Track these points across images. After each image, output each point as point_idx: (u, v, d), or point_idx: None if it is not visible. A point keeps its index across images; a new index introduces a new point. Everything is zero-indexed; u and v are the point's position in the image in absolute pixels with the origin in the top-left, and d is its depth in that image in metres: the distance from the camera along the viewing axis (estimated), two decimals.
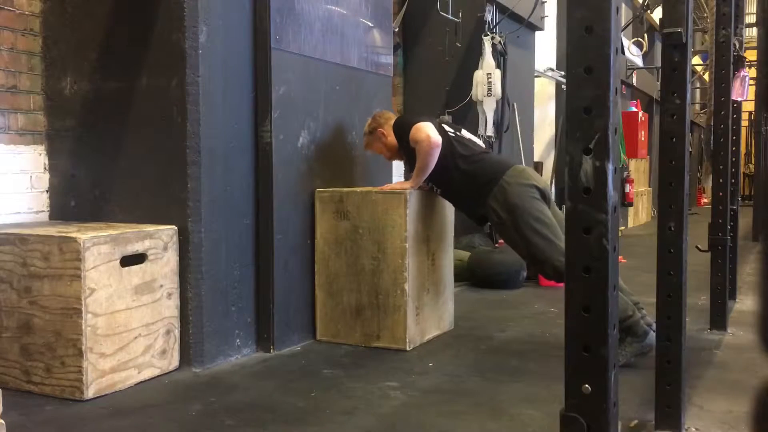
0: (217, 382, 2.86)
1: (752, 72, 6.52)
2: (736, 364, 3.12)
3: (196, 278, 3.01)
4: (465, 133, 3.74)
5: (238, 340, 3.22)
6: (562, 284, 3.27)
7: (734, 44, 3.88)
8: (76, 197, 3.28)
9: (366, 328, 3.44)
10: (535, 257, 3.24)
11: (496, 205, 3.31)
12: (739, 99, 4.62)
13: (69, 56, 3.25)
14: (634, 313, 3.04)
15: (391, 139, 3.57)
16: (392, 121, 3.60)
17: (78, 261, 2.57)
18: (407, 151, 3.51)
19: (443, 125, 3.56)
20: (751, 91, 5.34)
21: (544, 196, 3.35)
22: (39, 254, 2.65)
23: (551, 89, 8.97)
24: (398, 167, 6.05)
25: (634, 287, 4.47)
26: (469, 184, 3.41)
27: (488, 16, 5.92)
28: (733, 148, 4.15)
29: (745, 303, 4.54)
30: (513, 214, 3.26)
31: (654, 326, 3.06)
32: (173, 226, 2.98)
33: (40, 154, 3.32)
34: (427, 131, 3.35)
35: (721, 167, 3.88)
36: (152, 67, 3.06)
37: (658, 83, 3.12)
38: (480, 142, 3.85)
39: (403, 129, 3.46)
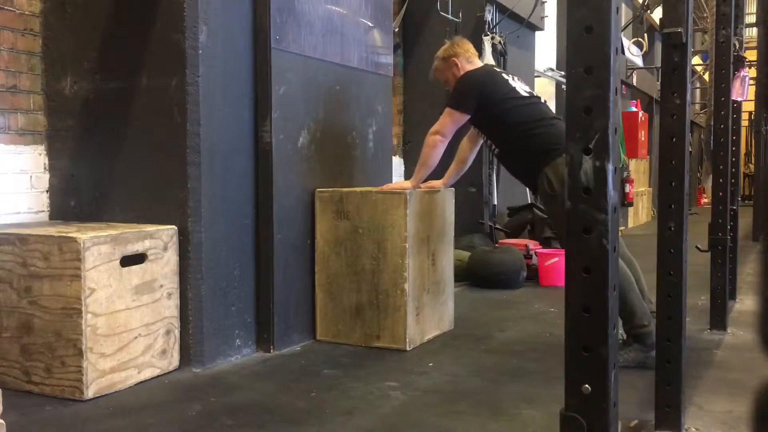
0: (217, 382, 2.86)
1: (752, 72, 6.52)
2: (736, 364, 3.12)
3: (196, 278, 3.01)
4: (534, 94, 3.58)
5: (238, 340, 3.22)
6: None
7: (734, 44, 3.88)
8: (76, 197, 3.28)
9: (366, 328, 3.44)
10: None
11: (553, 176, 3.14)
12: (739, 99, 4.63)
13: (69, 56, 3.25)
14: (650, 324, 3.00)
15: (463, 72, 3.45)
16: (470, 54, 3.49)
17: (78, 261, 2.57)
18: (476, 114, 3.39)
19: (515, 84, 3.40)
20: (751, 91, 5.34)
21: None
22: (39, 254, 2.65)
23: (551, 89, 8.97)
24: (398, 167, 6.05)
25: None
26: (530, 148, 3.25)
27: (488, 16, 5.93)
28: (733, 148, 4.15)
29: (745, 303, 4.54)
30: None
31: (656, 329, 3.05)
32: (173, 226, 2.98)
33: (40, 154, 3.32)
34: (445, 123, 3.31)
35: (721, 167, 3.88)
36: (152, 67, 3.06)
37: (658, 83, 3.11)
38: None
39: (451, 95, 3.40)
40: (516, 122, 3.30)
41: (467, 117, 3.37)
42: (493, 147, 3.46)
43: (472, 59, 3.55)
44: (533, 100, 3.42)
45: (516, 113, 3.31)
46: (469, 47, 3.56)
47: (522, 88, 3.42)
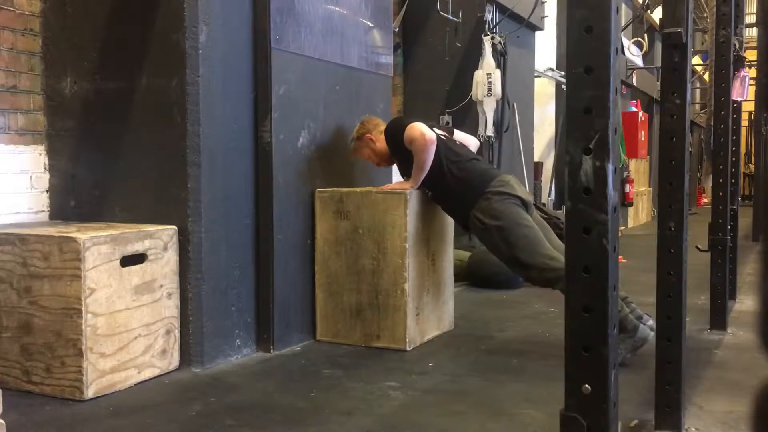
0: (217, 382, 2.86)
1: (752, 72, 6.52)
2: (736, 364, 3.12)
3: (196, 278, 3.01)
4: (458, 134, 3.77)
5: (238, 340, 3.22)
6: (549, 288, 3.31)
7: (734, 44, 3.88)
8: (76, 197, 3.28)
9: (366, 328, 3.44)
10: (520, 261, 3.27)
11: (480, 213, 3.35)
12: (739, 99, 4.62)
13: (69, 56, 3.25)
14: (623, 309, 3.04)
15: (380, 144, 3.60)
16: (381, 127, 3.62)
17: (78, 261, 2.57)
18: (401, 155, 3.52)
19: (434, 128, 3.56)
20: (751, 91, 5.34)
21: (525, 206, 3.41)
22: (39, 254, 2.65)
23: (551, 89, 8.97)
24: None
25: (634, 287, 4.47)
26: (455, 189, 3.44)
27: (488, 16, 5.93)
28: (733, 148, 4.15)
29: (745, 303, 4.54)
30: (497, 219, 3.31)
31: (644, 318, 3.08)
32: (173, 226, 2.98)
33: (40, 154, 3.32)
34: (421, 129, 3.38)
35: (721, 167, 3.88)
36: (152, 67, 3.06)
37: (658, 83, 3.12)
38: (475, 143, 3.86)
39: (396, 130, 3.48)
40: (438, 166, 3.43)
41: (423, 121, 3.46)
42: (427, 192, 3.55)
43: (381, 130, 3.64)
44: (449, 143, 3.56)
45: (437, 157, 3.43)
46: (378, 121, 3.70)
47: (438, 132, 3.55)
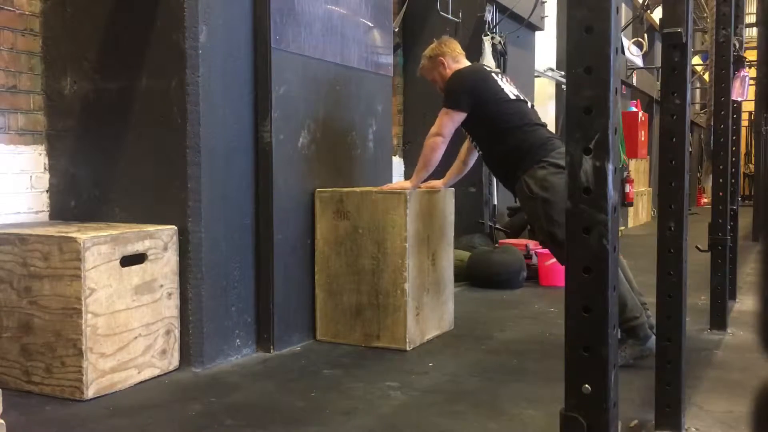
0: (217, 382, 2.86)
1: (752, 72, 6.52)
2: (736, 364, 3.12)
3: (196, 278, 3.01)
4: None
5: (238, 340, 3.22)
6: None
7: (734, 44, 3.88)
8: (76, 197, 3.28)
9: (366, 328, 3.44)
10: (556, 238, 3.11)
11: (531, 180, 3.21)
12: (739, 99, 4.62)
13: (69, 56, 3.25)
14: (641, 316, 3.03)
15: (450, 72, 3.47)
16: (456, 53, 3.51)
17: (78, 261, 2.57)
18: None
19: (504, 85, 3.43)
20: (751, 91, 5.34)
21: None
22: (39, 254, 2.65)
23: (551, 89, 8.97)
24: (398, 167, 6.05)
25: None
26: (515, 149, 3.30)
27: (488, 16, 5.93)
28: (733, 148, 4.15)
29: (745, 303, 4.54)
30: (547, 191, 3.16)
31: (655, 328, 3.06)
32: (173, 226, 2.98)
33: (40, 154, 3.32)
34: (443, 123, 3.32)
35: (721, 167, 3.88)
36: (152, 67, 3.06)
37: (658, 83, 3.12)
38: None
39: (447, 89, 3.40)
40: (500, 126, 3.34)
41: (464, 115, 3.37)
42: (479, 149, 3.49)
43: (458, 58, 3.56)
44: (520, 103, 3.44)
45: (501, 116, 3.34)
46: (456, 46, 3.57)
47: (510, 90, 3.45)
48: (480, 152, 3.50)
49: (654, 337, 2.98)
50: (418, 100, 6.20)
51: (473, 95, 3.36)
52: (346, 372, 3.02)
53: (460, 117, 3.37)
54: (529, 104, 3.54)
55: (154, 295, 2.87)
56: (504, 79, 3.50)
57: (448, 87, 3.43)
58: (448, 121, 3.35)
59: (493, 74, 3.53)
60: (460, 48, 3.61)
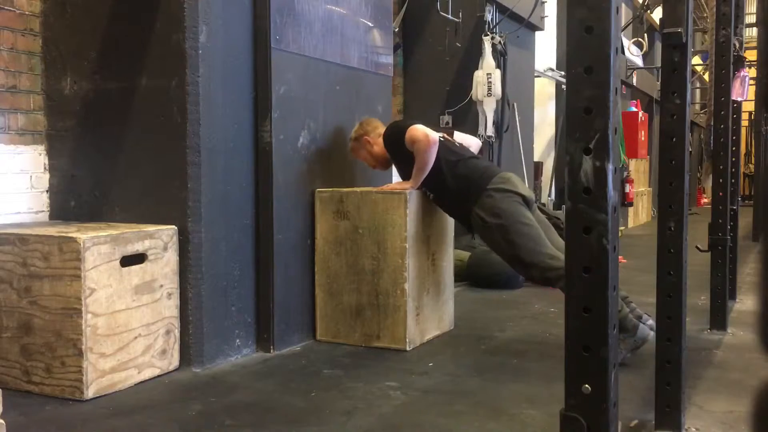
0: (217, 382, 2.86)
1: (752, 72, 6.52)
2: (736, 364, 3.12)
3: (196, 278, 3.01)
4: (457, 135, 3.78)
5: (238, 340, 3.22)
6: (550, 287, 3.31)
7: (734, 44, 3.88)
8: (76, 197, 3.28)
9: (366, 328, 3.44)
10: (522, 260, 3.26)
11: (482, 211, 3.35)
12: (739, 99, 4.62)
13: (69, 56, 3.25)
14: (623, 308, 3.04)
15: (378, 148, 3.61)
16: (380, 129, 3.62)
17: (78, 261, 2.57)
18: (401, 158, 3.52)
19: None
20: (751, 91, 5.34)
21: (527, 203, 3.41)
22: (39, 254, 2.65)
23: (551, 89, 8.97)
24: None
25: (634, 287, 4.47)
26: (456, 188, 3.43)
27: (488, 16, 5.93)
28: (733, 148, 4.15)
29: (745, 303, 4.54)
30: (499, 217, 3.30)
31: (644, 318, 3.08)
32: (173, 226, 2.98)
33: (40, 154, 3.32)
34: (424, 130, 3.39)
35: (721, 167, 3.88)
36: (152, 67, 3.06)
37: (658, 83, 3.12)
38: (477, 144, 3.86)
39: (398, 133, 3.47)
40: (437, 170, 3.43)
41: (420, 123, 3.46)
42: (428, 193, 3.54)
43: (380, 133, 3.63)
44: (448, 144, 3.56)
45: (439, 156, 3.42)
46: (377, 123, 3.69)
47: (435, 133, 3.54)
48: (430, 195, 3.55)
49: (643, 325, 3.00)
50: (418, 100, 6.21)
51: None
52: (346, 372, 3.02)
53: (422, 125, 3.44)
54: (457, 142, 3.68)
55: (154, 295, 2.87)
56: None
57: (390, 134, 3.53)
58: (421, 128, 3.41)
59: (416, 120, 3.66)
60: (380, 123, 3.72)
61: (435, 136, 3.40)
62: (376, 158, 3.66)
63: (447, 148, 3.52)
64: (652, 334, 2.98)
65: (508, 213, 3.30)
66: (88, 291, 2.59)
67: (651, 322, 3.06)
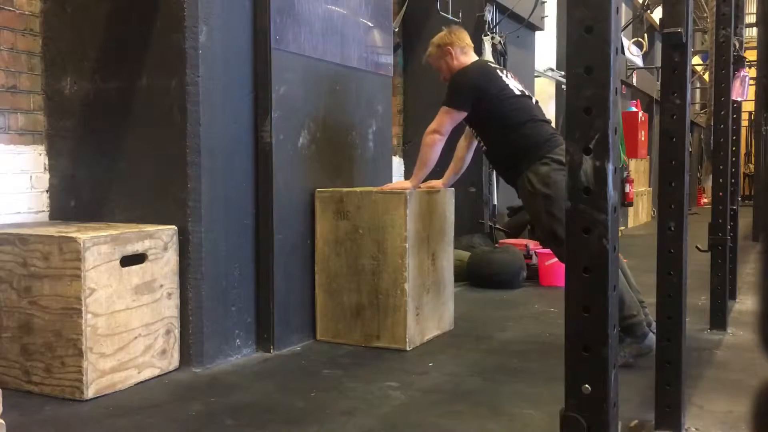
0: (217, 382, 2.86)
1: (752, 72, 6.52)
2: (736, 364, 3.12)
3: (196, 278, 3.01)
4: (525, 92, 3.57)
5: (238, 340, 3.22)
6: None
7: (734, 44, 3.88)
8: (76, 197, 3.28)
9: (366, 328, 3.44)
10: (557, 235, 3.09)
11: (534, 176, 3.21)
12: (739, 99, 4.62)
13: (69, 56, 3.25)
14: (639, 314, 3.03)
15: (457, 63, 3.46)
16: (465, 43, 3.49)
17: (78, 261, 2.57)
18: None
19: (508, 80, 3.42)
20: (751, 91, 5.34)
21: None
22: (39, 254, 2.65)
23: (551, 89, 8.97)
24: (398, 167, 6.05)
25: None
26: (518, 145, 3.29)
27: (488, 16, 5.93)
28: (733, 148, 4.15)
29: (745, 303, 4.54)
30: (548, 187, 3.15)
31: (653, 326, 3.06)
32: (173, 226, 2.98)
33: (40, 154, 3.32)
34: (442, 122, 3.32)
35: (721, 167, 3.88)
36: (152, 67, 3.06)
37: (658, 83, 3.12)
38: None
39: (450, 88, 3.39)
40: (504, 122, 3.32)
41: (464, 114, 3.37)
42: (482, 144, 3.48)
43: (466, 50, 3.55)
44: (524, 99, 3.42)
45: (506, 112, 3.32)
46: (465, 37, 3.55)
47: (515, 86, 3.43)
48: (483, 146, 3.48)
49: (652, 334, 2.98)
50: (418, 100, 6.20)
51: (477, 93, 3.35)
52: (346, 372, 3.02)
53: (459, 116, 3.37)
54: (534, 100, 3.52)
55: (154, 295, 2.87)
56: (509, 75, 3.50)
57: (452, 84, 3.42)
58: (448, 120, 3.35)
59: (497, 71, 3.52)
60: (469, 39, 3.59)
61: (445, 135, 3.33)
62: (452, 72, 3.48)
63: (523, 104, 3.37)
64: None
65: (559, 186, 3.09)
66: (88, 291, 2.59)
67: None
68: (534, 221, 3.29)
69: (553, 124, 9.60)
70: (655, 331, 3.02)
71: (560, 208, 3.08)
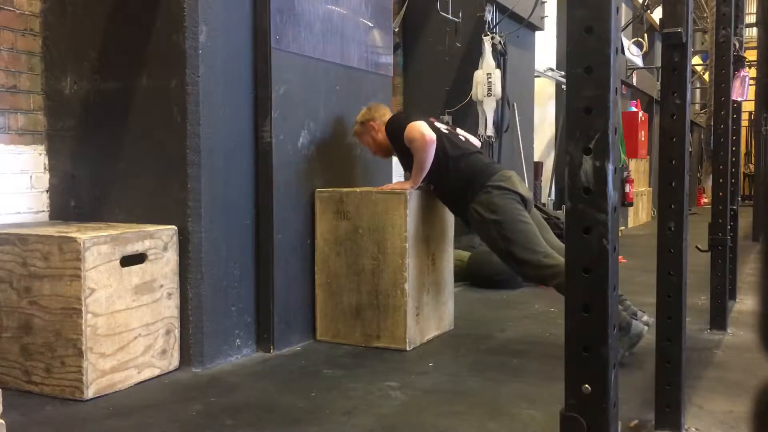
0: (217, 382, 2.86)
1: (752, 72, 6.52)
2: (736, 364, 3.12)
3: (196, 278, 3.01)
4: (460, 131, 3.77)
5: (238, 340, 3.22)
6: (543, 286, 3.32)
7: (734, 44, 3.88)
8: (76, 197, 3.28)
9: (366, 328, 3.44)
10: (516, 256, 3.27)
11: (479, 206, 3.37)
12: (739, 99, 4.62)
13: (69, 56, 3.25)
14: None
15: (381, 135, 3.60)
16: (386, 117, 3.61)
17: (78, 261, 2.57)
18: (401, 151, 3.53)
19: (435, 123, 3.59)
20: (751, 91, 5.34)
21: (525, 202, 3.43)
22: (39, 254, 2.65)
23: (551, 89, 8.98)
24: (398, 167, 6.05)
25: (634, 287, 4.47)
26: (457, 182, 3.45)
27: (488, 16, 5.93)
28: (733, 148, 4.15)
29: (745, 303, 4.54)
30: (496, 213, 3.32)
31: (638, 314, 3.08)
32: (173, 226, 2.98)
33: (40, 154, 3.32)
34: (421, 129, 3.38)
35: (721, 167, 3.88)
36: (152, 67, 3.06)
37: (658, 83, 3.12)
38: (477, 142, 3.86)
39: (397, 129, 3.47)
40: (439, 160, 3.44)
41: (425, 120, 3.46)
42: (430, 185, 3.56)
43: (385, 119, 3.63)
44: (452, 136, 3.58)
45: (438, 151, 3.43)
46: (385, 111, 3.68)
47: (440, 125, 3.59)
48: (433, 189, 3.58)
49: (636, 321, 3.00)
50: (418, 100, 6.21)
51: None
52: (346, 372, 3.02)
53: (425, 119, 3.47)
54: (461, 136, 3.68)
55: (154, 295, 2.87)
56: (429, 119, 3.62)
57: (390, 129, 3.52)
58: (420, 126, 3.40)
59: (419, 114, 3.66)
60: (388, 110, 3.72)
61: (432, 135, 3.38)
62: (379, 146, 3.66)
63: (451, 141, 3.53)
64: (646, 329, 2.99)
65: (505, 210, 3.32)
66: (88, 291, 2.59)
67: (646, 318, 3.07)
68: (491, 248, 3.39)
69: (553, 125, 9.60)
70: (640, 319, 3.05)
71: (512, 230, 3.29)
